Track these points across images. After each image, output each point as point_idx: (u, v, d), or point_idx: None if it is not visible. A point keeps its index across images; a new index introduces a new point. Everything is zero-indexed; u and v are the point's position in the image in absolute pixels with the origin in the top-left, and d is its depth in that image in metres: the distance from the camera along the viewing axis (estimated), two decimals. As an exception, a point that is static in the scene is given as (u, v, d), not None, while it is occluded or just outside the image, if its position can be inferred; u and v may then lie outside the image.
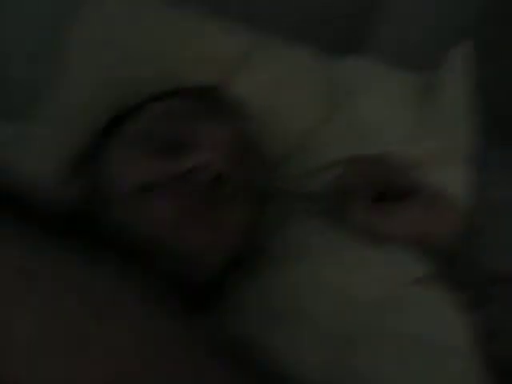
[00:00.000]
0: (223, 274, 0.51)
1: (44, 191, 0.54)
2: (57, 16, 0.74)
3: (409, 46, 0.94)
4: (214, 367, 0.33)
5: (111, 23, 0.68)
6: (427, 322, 0.54)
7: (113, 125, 0.57)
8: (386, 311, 0.53)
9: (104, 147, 0.53)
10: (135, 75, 0.66)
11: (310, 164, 0.66)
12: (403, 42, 0.94)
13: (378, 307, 0.53)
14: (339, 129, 0.69)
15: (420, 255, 0.59)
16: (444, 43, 0.80)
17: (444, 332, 0.54)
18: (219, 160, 0.49)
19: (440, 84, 0.74)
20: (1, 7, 0.77)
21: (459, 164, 0.72)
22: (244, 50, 0.70)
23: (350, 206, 0.59)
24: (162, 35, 0.68)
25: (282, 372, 0.46)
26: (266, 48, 0.72)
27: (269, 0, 0.89)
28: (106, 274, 0.33)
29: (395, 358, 0.51)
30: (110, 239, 0.43)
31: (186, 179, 0.46)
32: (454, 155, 0.71)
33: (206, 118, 0.55)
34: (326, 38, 0.86)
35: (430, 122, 0.71)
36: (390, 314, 0.53)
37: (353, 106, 0.70)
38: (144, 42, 0.67)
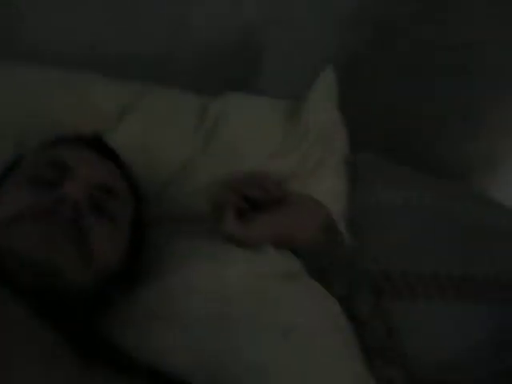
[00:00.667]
0: (101, 286, 0.58)
1: None
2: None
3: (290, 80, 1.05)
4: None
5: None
6: (286, 309, 0.61)
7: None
8: (250, 302, 0.60)
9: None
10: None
11: (190, 188, 0.74)
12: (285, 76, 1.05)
13: (243, 299, 0.60)
14: (214, 154, 0.78)
15: (286, 253, 0.67)
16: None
17: (304, 317, 0.61)
18: (79, 194, 0.56)
19: (305, 107, 0.85)
20: None
21: (330, 172, 0.82)
22: (126, 100, 0.80)
23: (222, 219, 0.68)
24: (48, 91, 0.77)
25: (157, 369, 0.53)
26: (147, 96, 0.82)
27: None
28: None
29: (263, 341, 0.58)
30: None
31: (53, 210, 0.54)
32: (323, 164, 0.81)
33: (87, 155, 0.63)
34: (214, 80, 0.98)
35: (295, 140, 0.81)
36: (254, 305, 0.60)
37: (225, 133, 0.79)
38: (31, 99, 0.76)
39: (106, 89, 0.82)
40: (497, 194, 1.08)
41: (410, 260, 0.76)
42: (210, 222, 0.72)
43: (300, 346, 0.58)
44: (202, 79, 1.02)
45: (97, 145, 0.66)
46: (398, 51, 1.09)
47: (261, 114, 0.84)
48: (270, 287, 0.62)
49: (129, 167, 0.68)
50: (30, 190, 0.56)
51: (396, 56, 1.09)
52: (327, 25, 1.05)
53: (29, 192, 0.56)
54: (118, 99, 0.81)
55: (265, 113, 0.84)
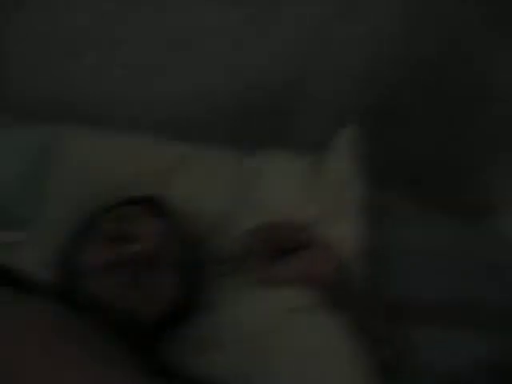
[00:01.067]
0: (163, 321, 0.76)
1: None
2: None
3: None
4: None
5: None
6: (310, 337, 0.75)
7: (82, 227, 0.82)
8: (277, 331, 0.75)
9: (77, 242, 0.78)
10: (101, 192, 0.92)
11: (228, 238, 0.90)
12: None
13: (270, 331, 0.75)
14: (247, 207, 0.93)
15: (308, 290, 0.81)
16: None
17: (325, 343, 0.74)
18: (149, 248, 0.74)
19: (327, 159, 0.98)
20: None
21: (348, 218, 0.94)
22: (170, 163, 0.97)
23: (252, 264, 0.84)
24: (114, 163, 0.95)
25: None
26: (188, 157, 0.99)
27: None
28: None
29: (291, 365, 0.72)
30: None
31: (128, 262, 0.72)
32: (341, 212, 0.94)
33: (144, 218, 0.80)
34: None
35: (317, 190, 0.95)
36: (281, 334, 0.75)
37: (256, 189, 0.95)
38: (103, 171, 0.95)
39: (155, 149, 0.99)
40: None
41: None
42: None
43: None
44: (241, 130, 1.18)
45: (157, 207, 0.84)
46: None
47: (287, 168, 0.98)
48: (295, 320, 0.77)
49: (175, 220, 0.84)
50: (106, 245, 0.74)
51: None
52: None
53: (105, 247, 0.74)
54: (165, 159, 0.98)
55: (291, 168, 0.99)
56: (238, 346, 0.75)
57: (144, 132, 1.01)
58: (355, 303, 0.82)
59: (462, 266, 0.99)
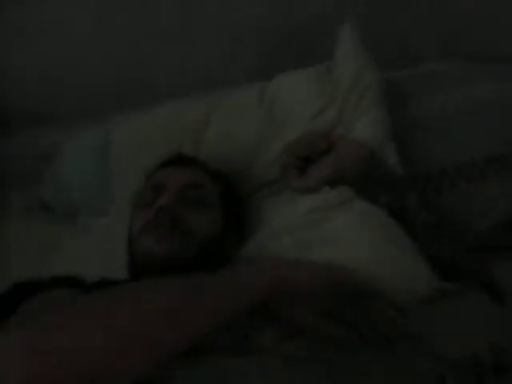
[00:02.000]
0: (209, 251, 0.84)
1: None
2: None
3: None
4: None
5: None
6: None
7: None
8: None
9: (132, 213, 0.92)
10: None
11: (265, 160, 1.02)
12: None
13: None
14: (274, 127, 1.04)
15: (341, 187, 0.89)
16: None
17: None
18: (171, 201, 0.84)
19: (333, 63, 1.05)
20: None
21: (370, 107, 1.00)
22: (201, 116, 1.09)
23: (286, 178, 0.93)
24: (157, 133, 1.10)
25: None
26: (217, 104, 1.10)
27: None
28: None
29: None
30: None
31: (156, 218, 0.83)
32: (361, 104, 1.00)
33: (171, 171, 0.92)
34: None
35: (329, 96, 1.02)
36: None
37: (277, 109, 1.05)
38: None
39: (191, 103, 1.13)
40: None
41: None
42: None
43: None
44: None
45: (178, 159, 0.96)
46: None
47: (300, 83, 1.06)
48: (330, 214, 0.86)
49: (205, 164, 0.96)
50: (144, 210, 0.87)
51: None
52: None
53: (144, 212, 0.87)
54: (196, 113, 1.10)
55: (303, 82, 1.06)
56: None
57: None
58: (391, 188, 0.89)
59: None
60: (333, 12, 1.28)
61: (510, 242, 0.90)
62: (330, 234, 0.83)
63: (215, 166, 0.96)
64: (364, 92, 1.01)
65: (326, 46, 1.07)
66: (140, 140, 1.10)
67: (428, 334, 0.63)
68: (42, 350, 0.47)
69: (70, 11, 1.28)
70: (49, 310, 0.58)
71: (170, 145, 1.05)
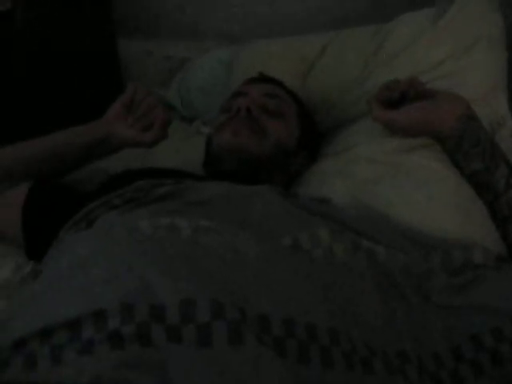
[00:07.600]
0: (280, 157, 0.94)
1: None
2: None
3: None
4: None
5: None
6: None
7: None
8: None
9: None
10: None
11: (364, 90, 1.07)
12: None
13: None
14: (382, 61, 1.08)
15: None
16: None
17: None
18: (250, 102, 0.93)
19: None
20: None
21: (480, 52, 1.00)
22: (315, 51, 1.17)
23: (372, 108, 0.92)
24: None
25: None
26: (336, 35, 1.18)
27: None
28: None
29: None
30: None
31: (235, 116, 0.93)
32: (472, 49, 1.00)
33: (249, 86, 1.02)
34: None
35: (443, 33, 1.04)
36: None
37: (388, 45, 1.09)
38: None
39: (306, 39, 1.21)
40: None
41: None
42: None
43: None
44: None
45: (262, 77, 1.06)
46: None
47: (415, 23, 1.09)
48: (397, 158, 0.87)
49: (284, 84, 1.05)
50: (224, 114, 0.98)
51: None
52: None
53: (225, 112, 0.98)
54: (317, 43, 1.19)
55: (418, 22, 1.09)
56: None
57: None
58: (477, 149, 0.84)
59: None
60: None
61: None
62: (414, 170, 0.84)
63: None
64: (482, 33, 1.01)
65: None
66: (261, 61, 1.20)
67: (483, 294, 0.65)
68: None
69: None
70: None
71: (283, 71, 1.14)
